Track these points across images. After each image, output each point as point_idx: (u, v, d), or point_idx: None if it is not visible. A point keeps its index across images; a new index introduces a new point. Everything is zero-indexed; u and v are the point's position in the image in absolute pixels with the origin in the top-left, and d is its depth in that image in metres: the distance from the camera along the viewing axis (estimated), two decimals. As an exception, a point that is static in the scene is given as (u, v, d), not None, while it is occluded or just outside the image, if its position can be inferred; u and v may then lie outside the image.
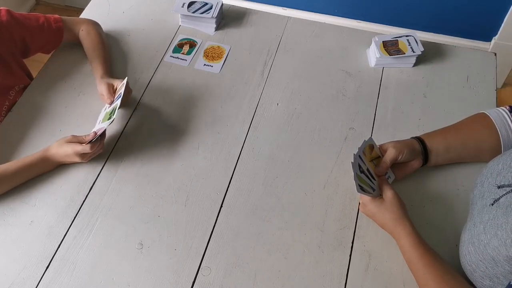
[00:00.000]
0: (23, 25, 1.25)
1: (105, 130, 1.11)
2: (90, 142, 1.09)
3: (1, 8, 1.24)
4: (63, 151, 1.10)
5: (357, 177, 0.98)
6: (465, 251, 0.89)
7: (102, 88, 1.21)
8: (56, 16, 1.33)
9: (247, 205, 1.09)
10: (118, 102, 1.14)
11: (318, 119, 1.24)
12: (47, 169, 1.12)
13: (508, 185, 0.86)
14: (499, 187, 0.88)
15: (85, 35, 1.34)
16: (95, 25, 1.37)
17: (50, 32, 1.30)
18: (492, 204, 0.87)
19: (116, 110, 1.12)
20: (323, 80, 1.33)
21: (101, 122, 1.16)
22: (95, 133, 1.10)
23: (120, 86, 1.19)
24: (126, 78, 1.19)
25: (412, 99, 1.29)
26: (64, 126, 1.22)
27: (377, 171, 1.04)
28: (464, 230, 0.92)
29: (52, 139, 1.17)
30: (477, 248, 0.85)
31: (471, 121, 1.10)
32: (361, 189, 0.97)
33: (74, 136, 1.11)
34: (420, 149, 1.07)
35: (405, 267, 0.96)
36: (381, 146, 1.08)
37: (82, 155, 1.10)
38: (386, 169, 1.04)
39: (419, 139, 1.08)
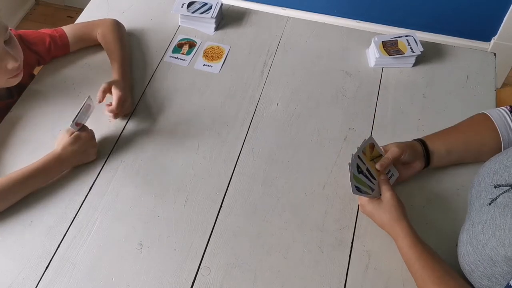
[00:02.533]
0: (36, 51, 1.28)
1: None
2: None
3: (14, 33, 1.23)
4: (61, 138, 1.11)
5: (353, 178, 0.98)
6: (464, 252, 0.89)
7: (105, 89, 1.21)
8: (61, 31, 1.32)
9: (246, 205, 1.09)
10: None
11: (317, 119, 1.25)
12: (60, 168, 1.11)
13: (505, 185, 0.86)
14: (495, 187, 0.88)
15: (101, 39, 1.35)
16: (110, 26, 1.36)
17: (56, 50, 1.32)
18: (490, 204, 0.87)
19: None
20: (323, 80, 1.33)
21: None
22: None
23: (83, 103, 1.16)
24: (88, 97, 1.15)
25: (411, 99, 1.29)
26: (64, 126, 1.21)
27: (378, 165, 1.03)
28: (462, 231, 0.92)
29: (51, 139, 1.17)
30: (475, 248, 0.85)
31: (473, 122, 1.10)
32: (358, 190, 0.97)
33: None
34: (422, 151, 1.07)
35: (404, 267, 0.95)
36: (383, 147, 1.08)
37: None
38: (387, 165, 1.03)
39: (420, 141, 1.08)
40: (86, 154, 1.13)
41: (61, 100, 1.27)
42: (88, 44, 1.37)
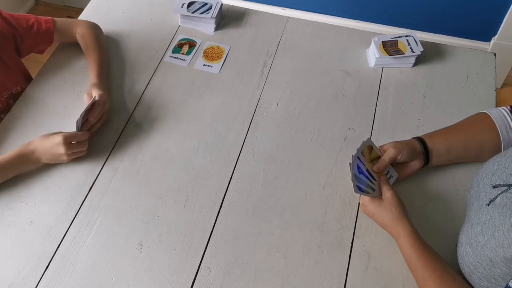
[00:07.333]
0: (13, 25, 1.26)
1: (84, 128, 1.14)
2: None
3: None
4: (50, 141, 1.09)
5: (355, 178, 0.98)
6: (463, 252, 0.88)
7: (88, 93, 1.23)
8: (48, 17, 1.32)
9: (246, 205, 1.09)
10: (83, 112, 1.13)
11: (317, 119, 1.25)
12: (26, 168, 1.11)
13: (503, 185, 0.86)
14: (494, 187, 0.88)
15: (80, 39, 1.34)
16: (90, 27, 1.36)
17: (39, 33, 1.30)
18: (488, 205, 0.87)
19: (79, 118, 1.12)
20: (323, 80, 1.34)
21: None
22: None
23: (91, 101, 1.16)
24: (94, 98, 1.16)
25: (411, 99, 1.29)
26: (63, 126, 1.21)
27: (375, 167, 1.04)
28: (462, 231, 0.92)
29: (51, 139, 1.18)
30: (474, 249, 0.85)
31: (473, 121, 1.10)
32: (359, 189, 0.98)
33: (60, 131, 1.13)
34: (421, 149, 1.07)
35: (404, 267, 0.96)
36: (381, 146, 1.08)
37: (67, 146, 1.09)
38: (384, 167, 1.04)
39: (420, 140, 1.08)
40: (56, 156, 1.11)
41: (61, 100, 1.28)
42: (69, 40, 1.37)
